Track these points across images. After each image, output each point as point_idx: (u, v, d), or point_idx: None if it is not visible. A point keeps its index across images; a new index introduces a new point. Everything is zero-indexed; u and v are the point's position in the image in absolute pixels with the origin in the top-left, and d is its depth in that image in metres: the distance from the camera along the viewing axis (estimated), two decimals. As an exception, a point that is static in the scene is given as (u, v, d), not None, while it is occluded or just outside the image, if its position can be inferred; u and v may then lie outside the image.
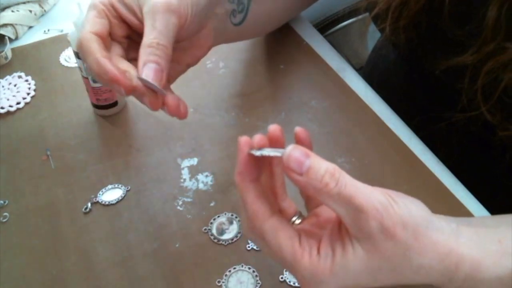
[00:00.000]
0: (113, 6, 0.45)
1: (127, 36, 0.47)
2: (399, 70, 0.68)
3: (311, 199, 0.41)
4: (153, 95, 0.43)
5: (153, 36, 0.42)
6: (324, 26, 0.89)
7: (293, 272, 0.35)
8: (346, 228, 0.35)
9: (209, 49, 0.53)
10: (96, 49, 0.43)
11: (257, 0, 0.59)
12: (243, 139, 0.36)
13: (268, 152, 0.35)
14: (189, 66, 0.51)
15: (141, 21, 0.45)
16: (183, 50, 0.50)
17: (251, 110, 0.64)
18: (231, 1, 0.56)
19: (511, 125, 0.49)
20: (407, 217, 0.34)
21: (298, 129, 0.39)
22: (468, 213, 0.52)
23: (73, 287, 0.48)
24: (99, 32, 0.44)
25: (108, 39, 0.45)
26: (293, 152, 0.33)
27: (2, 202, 0.55)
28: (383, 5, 0.57)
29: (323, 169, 0.33)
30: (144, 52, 0.42)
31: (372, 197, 0.34)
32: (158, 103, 0.44)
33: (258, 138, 0.37)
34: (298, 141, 0.39)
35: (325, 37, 0.76)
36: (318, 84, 0.68)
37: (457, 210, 0.52)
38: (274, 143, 0.37)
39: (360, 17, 0.90)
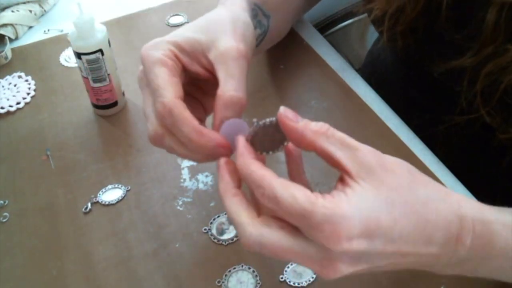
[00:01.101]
0: (177, 58, 0.43)
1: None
2: (397, 71, 0.68)
3: None
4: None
5: (233, 88, 0.40)
6: (324, 26, 0.89)
7: (312, 223, 0.32)
8: (348, 173, 0.35)
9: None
10: (190, 117, 0.39)
11: (273, 18, 0.59)
12: (240, 139, 0.38)
13: (265, 120, 0.38)
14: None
15: (205, 68, 0.43)
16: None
17: (251, 110, 0.64)
18: (256, 26, 0.55)
19: (510, 128, 0.49)
20: (398, 160, 0.37)
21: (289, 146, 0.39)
22: (468, 213, 0.52)
23: (73, 287, 0.48)
24: (181, 95, 0.40)
25: None
26: (287, 108, 0.36)
27: (2, 202, 0.55)
28: (379, 12, 0.58)
29: (314, 122, 0.36)
30: (222, 107, 0.40)
31: (361, 143, 0.36)
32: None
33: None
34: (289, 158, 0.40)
35: (325, 37, 0.77)
36: (318, 84, 0.68)
37: (457, 210, 0.52)
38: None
39: (360, 17, 0.90)
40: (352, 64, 0.72)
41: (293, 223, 0.34)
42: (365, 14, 0.65)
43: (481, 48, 0.48)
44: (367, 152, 0.35)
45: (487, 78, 0.48)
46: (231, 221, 0.37)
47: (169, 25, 0.79)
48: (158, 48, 0.42)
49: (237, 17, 0.47)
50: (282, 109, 0.36)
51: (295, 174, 0.40)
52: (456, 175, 0.56)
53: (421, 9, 0.54)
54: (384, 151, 0.58)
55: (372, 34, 0.69)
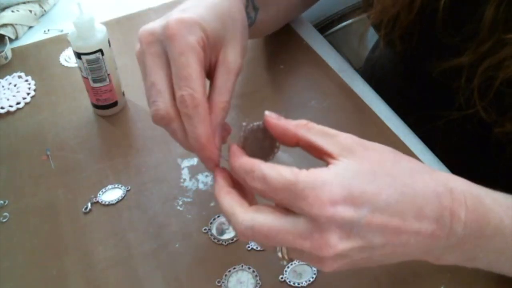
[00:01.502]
0: (204, 48, 0.43)
1: None
2: (396, 70, 0.68)
3: None
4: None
5: (226, 100, 0.43)
6: (324, 26, 0.89)
7: (295, 189, 0.34)
8: (330, 155, 0.36)
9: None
10: (209, 121, 0.43)
11: (263, 10, 0.60)
12: (233, 146, 0.40)
13: (253, 124, 0.40)
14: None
15: (210, 61, 0.45)
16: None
17: (251, 110, 0.64)
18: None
19: (506, 122, 0.49)
20: (381, 145, 0.38)
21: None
22: (468, 213, 0.52)
23: (73, 287, 0.48)
24: (206, 93, 0.43)
25: None
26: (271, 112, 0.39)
27: (2, 202, 0.55)
28: (375, 21, 0.58)
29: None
30: (214, 115, 0.43)
31: (343, 132, 0.38)
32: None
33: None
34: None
35: (325, 37, 0.77)
36: (318, 84, 0.68)
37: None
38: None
39: (360, 17, 0.90)
40: (352, 64, 0.72)
41: (280, 199, 0.35)
42: (365, 14, 0.65)
43: (479, 45, 0.49)
44: (347, 136, 0.37)
45: (483, 74, 0.49)
46: (225, 217, 0.38)
47: (169, 25, 0.79)
48: (191, 32, 0.42)
49: (243, 17, 0.48)
50: (267, 112, 0.39)
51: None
52: (455, 174, 0.56)
53: (416, 16, 0.54)
54: (384, 151, 0.58)
55: (372, 34, 0.69)
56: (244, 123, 0.40)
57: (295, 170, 0.35)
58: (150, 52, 0.44)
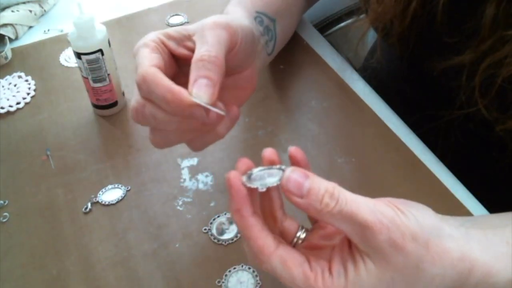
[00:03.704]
0: (163, 43, 0.43)
1: (176, 75, 0.45)
2: (395, 70, 0.68)
3: None
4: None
5: (204, 49, 0.40)
6: (324, 26, 0.89)
7: None
8: (356, 246, 0.34)
9: (252, 91, 0.51)
10: (164, 78, 0.39)
11: (279, 22, 0.60)
12: (232, 174, 0.35)
13: (265, 182, 0.35)
14: (231, 107, 0.48)
15: (192, 50, 0.43)
16: (228, 90, 0.47)
17: (251, 110, 0.64)
18: (264, 33, 0.56)
19: (508, 119, 0.49)
20: (416, 228, 0.34)
21: (292, 149, 0.38)
22: (468, 212, 0.52)
23: (73, 287, 0.48)
24: (158, 65, 0.41)
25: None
26: (292, 174, 0.33)
27: (2, 202, 0.55)
28: (372, 25, 0.58)
29: (322, 189, 0.33)
30: (195, 67, 0.40)
31: (376, 210, 0.33)
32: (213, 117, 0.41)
33: (243, 163, 0.37)
34: (294, 162, 0.38)
35: (325, 37, 0.77)
36: (318, 84, 0.68)
37: (457, 210, 0.52)
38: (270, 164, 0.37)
39: (360, 17, 0.90)
40: (352, 64, 0.72)
41: None
42: (365, 14, 0.65)
43: (480, 44, 0.49)
44: (377, 231, 0.32)
45: (485, 72, 0.49)
46: (249, 243, 0.36)
47: (169, 25, 0.79)
48: (146, 37, 0.44)
49: (229, 15, 0.48)
50: (285, 179, 0.33)
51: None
52: (455, 173, 0.56)
53: (410, 21, 0.54)
54: (384, 151, 0.59)
55: (372, 34, 0.69)
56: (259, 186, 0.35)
57: (310, 278, 0.33)
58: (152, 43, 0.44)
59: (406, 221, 0.33)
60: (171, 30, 0.44)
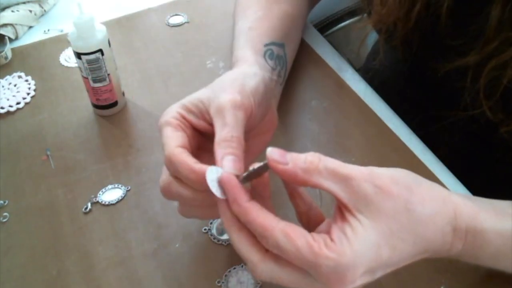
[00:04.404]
0: (184, 118, 0.44)
1: (199, 147, 0.46)
2: (398, 72, 0.68)
3: (304, 214, 0.42)
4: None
5: (226, 131, 0.42)
6: (324, 26, 0.89)
7: (317, 271, 0.35)
8: (345, 207, 0.36)
9: (275, 129, 0.52)
10: (187, 158, 0.41)
11: (288, 45, 0.60)
12: (226, 176, 0.38)
13: (252, 168, 0.38)
14: (259, 153, 0.50)
15: (211, 124, 0.44)
16: (253, 139, 0.48)
17: (251, 110, 0.64)
18: (275, 65, 0.56)
19: None
20: (396, 174, 0.37)
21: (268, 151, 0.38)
22: (468, 213, 0.52)
23: (73, 287, 0.48)
24: (183, 144, 0.42)
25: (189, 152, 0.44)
26: (273, 149, 0.37)
27: (2, 202, 0.55)
28: (374, 27, 0.58)
29: (303, 155, 0.36)
30: (220, 147, 0.41)
31: (355, 167, 0.36)
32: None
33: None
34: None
35: (325, 37, 0.76)
36: (318, 84, 0.68)
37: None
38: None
39: (360, 17, 0.90)
40: (352, 64, 0.71)
41: (296, 264, 0.36)
42: (366, 14, 0.65)
43: (485, 45, 0.49)
44: (361, 179, 0.36)
45: (490, 74, 0.49)
46: (239, 255, 0.38)
47: (169, 25, 0.79)
48: (167, 114, 0.45)
49: (240, 73, 0.49)
50: (269, 152, 0.37)
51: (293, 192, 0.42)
52: (457, 174, 0.56)
53: (414, 24, 0.54)
54: (384, 151, 0.59)
55: (373, 34, 0.69)
56: (251, 168, 0.38)
57: (314, 247, 0.34)
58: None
59: (385, 170, 0.37)
60: (188, 103, 0.45)
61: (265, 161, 0.37)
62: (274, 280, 0.37)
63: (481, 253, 0.39)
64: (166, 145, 0.42)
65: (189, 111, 0.45)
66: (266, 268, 0.37)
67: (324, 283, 0.35)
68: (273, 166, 0.37)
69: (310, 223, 0.41)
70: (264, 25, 0.59)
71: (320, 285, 0.36)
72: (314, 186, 0.36)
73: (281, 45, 0.59)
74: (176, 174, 0.42)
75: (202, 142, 0.46)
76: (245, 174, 0.39)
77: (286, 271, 0.36)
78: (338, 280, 0.34)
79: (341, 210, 0.36)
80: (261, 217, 0.36)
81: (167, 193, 0.44)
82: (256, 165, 0.38)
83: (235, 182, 0.37)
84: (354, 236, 0.35)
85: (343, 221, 0.36)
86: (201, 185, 0.40)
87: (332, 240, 0.35)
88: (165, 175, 0.44)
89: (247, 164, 0.42)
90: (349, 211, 0.36)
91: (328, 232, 0.36)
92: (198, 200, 0.42)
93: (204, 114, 0.45)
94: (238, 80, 0.47)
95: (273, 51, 0.57)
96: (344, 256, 0.34)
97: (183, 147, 0.42)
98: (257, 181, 0.40)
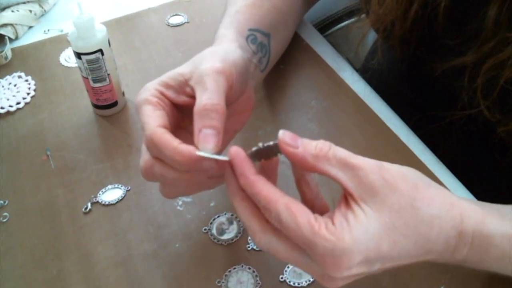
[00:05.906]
0: (163, 94, 0.44)
1: (178, 125, 0.46)
2: (396, 72, 0.68)
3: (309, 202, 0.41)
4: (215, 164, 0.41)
5: (206, 97, 0.41)
6: (324, 26, 0.89)
7: (314, 251, 0.35)
8: (351, 195, 0.36)
9: (251, 111, 0.52)
10: (171, 139, 0.40)
11: (274, 36, 0.60)
12: (234, 150, 0.37)
13: (262, 144, 0.38)
14: (236, 132, 0.50)
15: (191, 96, 0.43)
16: (229, 118, 0.46)
17: (251, 110, 0.64)
18: (257, 51, 0.56)
19: (510, 120, 0.49)
20: (405, 171, 0.37)
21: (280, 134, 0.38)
22: (468, 213, 0.52)
23: (73, 287, 0.48)
24: (164, 124, 0.42)
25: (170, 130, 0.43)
26: (285, 131, 0.37)
27: (2, 202, 0.55)
28: (372, 26, 0.58)
29: (315, 142, 0.37)
30: (198, 117, 0.40)
31: (365, 159, 0.36)
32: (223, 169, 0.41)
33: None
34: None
35: (325, 37, 0.76)
36: (318, 84, 0.68)
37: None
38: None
39: (360, 17, 0.90)
40: (352, 64, 0.71)
41: (295, 241, 0.36)
42: (364, 14, 0.65)
43: (482, 45, 0.49)
44: (369, 170, 0.36)
45: (487, 73, 0.49)
46: (241, 222, 0.38)
47: (169, 25, 0.79)
48: (145, 91, 0.44)
49: (221, 48, 0.48)
50: (281, 134, 0.37)
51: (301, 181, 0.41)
52: (456, 174, 0.56)
53: (411, 23, 0.54)
54: (384, 151, 0.59)
55: (373, 35, 0.69)
56: (260, 144, 0.38)
57: (314, 226, 0.34)
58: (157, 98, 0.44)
59: (395, 166, 0.37)
60: (167, 78, 0.44)
61: (276, 141, 0.37)
62: (271, 251, 0.37)
63: (487, 257, 0.39)
64: (147, 124, 0.41)
65: (168, 86, 0.44)
66: (264, 239, 0.37)
67: (320, 264, 0.35)
68: (283, 148, 0.37)
69: (314, 211, 0.41)
70: (252, 11, 0.58)
71: (315, 267, 0.36)
72: (322, 173, 0.36)
73: (266, 34, 0.58)
74: (159, 155, 0.41)
75: (180, 119, 0.46)
76: (254, 149, 0.38)
77: (284, 246, 0.36)
78: (334, 263, 0.34)
79: (347, 198, 0.36)
80: (266, 190, 0.36)
81: (149, 175, 0.43)
82: (265, 143, 0.38)
83: (243, 156, 0.37)
84: (355, 223, 0.35)
85: (347, 208, 0.36)
86: (187, 167, 0.39)
87: (333, 223, 0.35)
88: (146, 156, 0.43)
89: (225, 142, 0.42)
90: (354, 199, 0.36)
91: (330, 216, 0.36)
92: (183, 180, 0.42)
93: (184, 87, 0.44)
94: (219, 52, 0.46)
95: (256, 37, 0.56)
96: (342, 241, 0.34)
97: (164, 127, 0.41)
98: (266, 163, 0.39)
